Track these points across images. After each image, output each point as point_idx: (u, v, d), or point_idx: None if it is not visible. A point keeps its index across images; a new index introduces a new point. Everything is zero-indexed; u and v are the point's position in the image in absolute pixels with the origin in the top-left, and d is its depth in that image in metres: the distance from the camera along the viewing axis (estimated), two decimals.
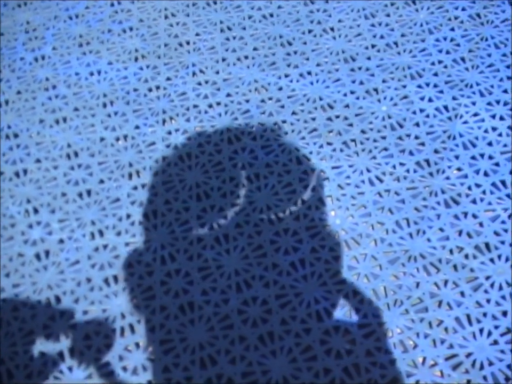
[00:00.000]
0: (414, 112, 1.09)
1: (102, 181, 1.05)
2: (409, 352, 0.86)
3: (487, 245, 0.94)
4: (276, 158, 1.05)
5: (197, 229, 0.98)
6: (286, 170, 1.04)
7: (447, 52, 1.16)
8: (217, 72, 1.17)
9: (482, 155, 1.03)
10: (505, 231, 0.95)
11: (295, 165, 1.04)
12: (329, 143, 1.07)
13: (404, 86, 1.12)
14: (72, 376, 0.87)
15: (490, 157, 1.02)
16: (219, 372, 0.86)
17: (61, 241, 0.99)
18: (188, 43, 1.22)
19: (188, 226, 0.99)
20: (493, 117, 1.07)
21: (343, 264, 0.94)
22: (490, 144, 1.04)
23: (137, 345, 0.88)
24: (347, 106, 1.11)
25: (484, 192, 0.99)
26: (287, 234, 0.97)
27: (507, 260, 0.92)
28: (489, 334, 0.86)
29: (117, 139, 1.10)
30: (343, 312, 0.88)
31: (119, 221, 1.00)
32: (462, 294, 0.90)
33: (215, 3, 1.27)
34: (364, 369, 0.85)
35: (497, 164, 1.01)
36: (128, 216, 1.01)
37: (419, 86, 1.12)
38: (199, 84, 1.16)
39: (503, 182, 0.99)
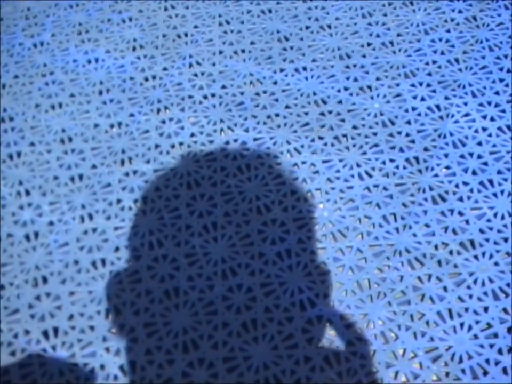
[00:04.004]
0: (406, 110, 1.10)
1: (94, 166, 1.06)
2: (389, 343, 0.87)
3: (471, 242, 0.95)
4: (267, 150, 1.06)
5: (185, 216, 0.99)
6: (276, 162, 1.05)
7: (442, 53, 1.17)
8: (214, 64, 1.18)
9: (471, 154, 1.04)
10: (490, 229, 0.95)
11: (286, 157, 1.05)
12: (320, 137, 1.08)
13: (397, 84, 1.13)
14: (55, 355, 0.88)
15: (479, 156, 1.03)
16: (201, 356, 0.87)
17: (51, 223, 1.00)
18: (185, 35, 1.23)
19: (177, 213, 1.00)
20: (484, 117, 1.08)
21: (328, 255, 0.95)
22: (479, 144, 1.05)
23: (121, 327, 0.89)
24: (340, 102, 1.12)
25: (471, 191, 1.00)
26: (275, 225, 0.98)
27: (491, 257, 0.93)
28: (470, 328, 0.87)
29: (111, 126, 1.11)
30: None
31: (109, 205, 1.01)
32: (445, 289, 0.91)
33: None
34: (344, 358, 0.86)
35: (485, 163, 1.03)
36: (119, 201, 1.01)
37: (412, 85, 1.13)
38: (195, 75, 1.17)
39: (491, 181, 1.00)
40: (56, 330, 0.90)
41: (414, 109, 1.10)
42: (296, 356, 0.86)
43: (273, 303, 0.90)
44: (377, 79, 1.14)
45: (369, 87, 1.13)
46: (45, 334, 0.90)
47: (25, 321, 0.91)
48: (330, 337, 0.87)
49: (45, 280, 0.95)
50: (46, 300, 0.92)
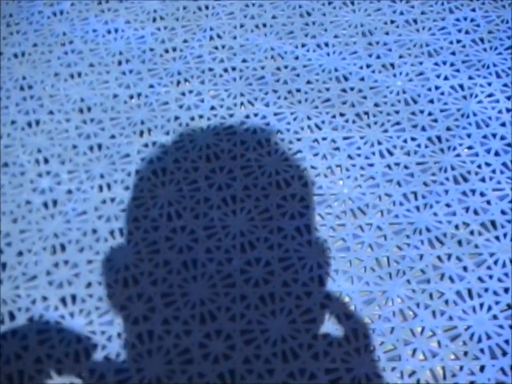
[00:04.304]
0: (429, 89, 1.08)
1: (113, 136, 1.05)
2: (408, 321, 0.86)
3: (493, 223, 0.94)
4: (287, 125, 1.05)
5: (204, 188, 0.98)
6: (297, 138, 1.04)
7: (466, 32, 1.15)
8: (235, 38, 1.17)
9: (494, 135, 1.02)
10: None
11: (306, 133, 1.04)
12: (342, 114, 1.06)
13: (421, 63, 1.11)
14: (73, 322, 0.88)
15: (502, 138, 1.02)
16: (218, 328, 0.86)
17: (69, 191, 0.99)
18: (206, 7, 1.21)
19: (196, 185, 0.99)
20: (508, 98, 1.06)
21: (348, 232, 0.94)
22: (503, 124, 1.03)
23: (139, 296, 0.89)
24: (362, 79, 1.10)
25: (493, 171, 0.98)
26: (294, 200, 0.97)
27: None
28: (490, 309, 0.86)
29: (131, 97, 1.10)
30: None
31: (127, 176, 1.00)
32: (465, 268, 0.90)
33: None
34: (362, 335, 0.85)
35: (508, 145, 1.01)
36: (137, 172, 1.01)
37: (436, 64, 1.11)
38: (216, 48, 1.16)
39: None
40: (74, 297, 0.90)
41: (437, 88, 1.08)
42: (314, 330, 0.86)
43: (292, 278, 0.90)
44: (400, 56, 1.13)
45: (392, 65, 1.12)
46: (63, 301, 0.90)
47: (43, 288, 0.91)
48: (349, 313, 0.87)
49: (63, 248, 0.94)
50: (64, 267, 0.92)
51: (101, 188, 1.00)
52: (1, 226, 0.96)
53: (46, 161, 1.03)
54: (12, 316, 0.89)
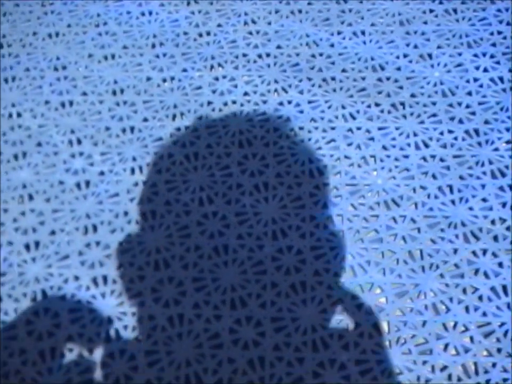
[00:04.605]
0: (468, 81, 1.06)
1: (146, 119, 1.05)
2: (441, 315, 0.85)
3: None
4: (321, 113, 1.04)
5: (237, 174, 0.98)
6: (331, 126, 1.03)
7: (508, 23, 1.12)
8: (269, 23, 1.15)
9: None
10: None
11: (341, 122, 1.03)
12: (377, 104, 1.05)
13: (459, 54, 1.09)
14: (104, 302, 0.88)
15: None
16: (249, 314, 0.86)
17: (102, 173, 0.99)
18: None
19: (228, 171, 0.98)
20: None
21: (381, 223, 0.93)
22: None
23: (170, 279, 0.89)
24: (399, 68, 1.08)
25: None
26: (327, 189, 0.96)
27: None
28: None
29: (164, 80, 1.10)
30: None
31: (160, 159, 1.00)
32: (500, 264, 0.88)
33: None
34: (394, 327, 0.84)
35: None
36: (170, 155, 1.00)
37: (475, 55, 1.09)
38: (250, 33, 1.14)
39: None
40: (105, 278, 0.90)
41: (475, 79, 1.06)
42: (345, 321, 0.85)
43: (323, 267, 0.89)
44: (439, 47, 1.10)
45: (430, 55, 1.10)
46: (95, 281, 0.90)
47: (75, 268, 0.91)
48: (380, 305, 0.86)
49: (95, 228, 0.95)
50: (96, 248, 0.93)
51: (133, 171, 1.00)
52: (34, 205, 0.96)
53: (79, 142, 1.03)
54: (45, 294, 0.90)
